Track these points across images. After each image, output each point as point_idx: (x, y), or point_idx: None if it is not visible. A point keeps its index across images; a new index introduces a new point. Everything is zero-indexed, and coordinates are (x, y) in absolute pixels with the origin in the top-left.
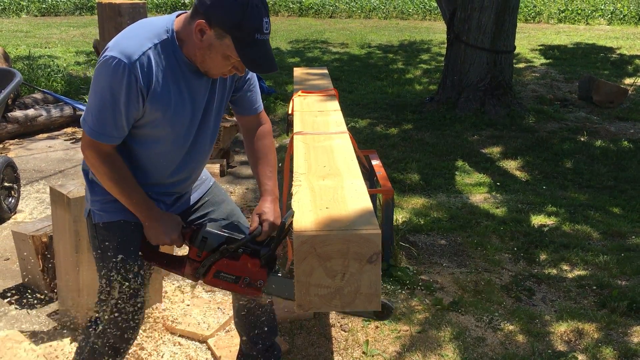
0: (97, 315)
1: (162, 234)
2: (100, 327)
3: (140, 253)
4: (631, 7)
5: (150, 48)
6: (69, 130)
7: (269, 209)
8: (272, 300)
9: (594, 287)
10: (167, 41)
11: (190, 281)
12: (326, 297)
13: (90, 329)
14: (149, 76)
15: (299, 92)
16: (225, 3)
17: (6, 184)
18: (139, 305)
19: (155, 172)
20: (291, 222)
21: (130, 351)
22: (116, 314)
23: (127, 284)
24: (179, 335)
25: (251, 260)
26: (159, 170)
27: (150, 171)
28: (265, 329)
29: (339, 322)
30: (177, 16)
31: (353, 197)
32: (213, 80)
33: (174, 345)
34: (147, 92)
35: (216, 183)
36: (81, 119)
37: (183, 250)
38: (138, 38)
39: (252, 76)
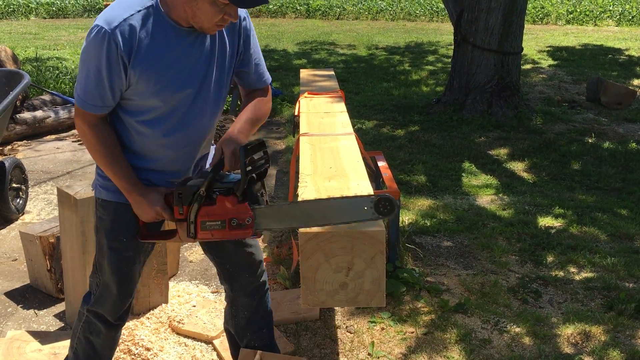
0: (89, 289)
1: (146, 207)
2: (93, 300)
3: (139, 237)
4: None
5: (132, 15)
6: (77, 131)
7: (229, 138)
8: (269, 306)
9: (602, 290)
10: (151, 7)
11: (194, 283)
12: (331, 293)
13: (84, 304)
14: (130, 43)
15: (306, 94)
16: None
17: (14, 185)
18: (129, 281)
19: (154, 152)
20: (260, 148)
21: (135, 351)
22: (107, 288)
23: (117, 259)
24: (185, 336)
25: (227, 198)
26: (158, 148)
27: (150, 153)
28: (263, 330)
29: (344, 324)
30: None
31: None
32: (211, 48)
33: (180, 345)
34: (129, 58)
35: None
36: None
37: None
38: (121, 7)
39: (255, 47)
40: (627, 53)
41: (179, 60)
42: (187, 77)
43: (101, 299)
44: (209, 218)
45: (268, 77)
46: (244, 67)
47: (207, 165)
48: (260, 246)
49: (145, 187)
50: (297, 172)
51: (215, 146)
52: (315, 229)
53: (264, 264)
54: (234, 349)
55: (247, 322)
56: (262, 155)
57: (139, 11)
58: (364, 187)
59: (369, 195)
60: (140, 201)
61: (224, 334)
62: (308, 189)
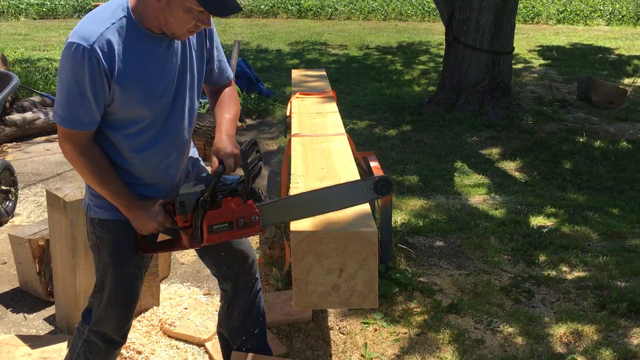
0: (90, 308)
1: (147, 220)
2: (94, 319)
3: (140, 251)
4: (630, 8)
5: (107, 28)
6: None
7: (224, 143)
8: (263, 308)
9: (594, 289)
10: (124, 18)
11: (189, 283)
12: (323, 294)
13: (84, 323)
14: (110, 56)
15: (297, 94)
16: None
17: (3, 187)
18: (133, 297)
19: (144, 164)
20: (254, 148)
21: (127, 355)
22: (110, 306)
23: (121, 277)
24: (177, 339)
25: (232, 200)
26: (147, 160)
27: (141, 166)
28: (256, 331)
29: (337, 325)
30: None
31: None
32: (183, 52)
33: (172, 348)
34: (112, 73)
35: (202, 163)
36: (52, 111)
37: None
38: (95, 21)
39: (218, 44)
40: (617, 52)
41: (157, 67)
42: (166, 83)
43: (105, 318)
44: (215, 221)
45: (231, 73)
46: (208, 65)
47: (194, 169)
48: (252, 246)
49: (143, 200)
50: (289, 173)
51: (211, 154)
52: (307, 230)
53: (257, 263)
54: (227, 352)
55: (241, 323)
56: (256, 155)
57: (113, 23)
58: None
59: (368, 178)
60: (141, 215)
61: (216, 336)
62: (300, 190)
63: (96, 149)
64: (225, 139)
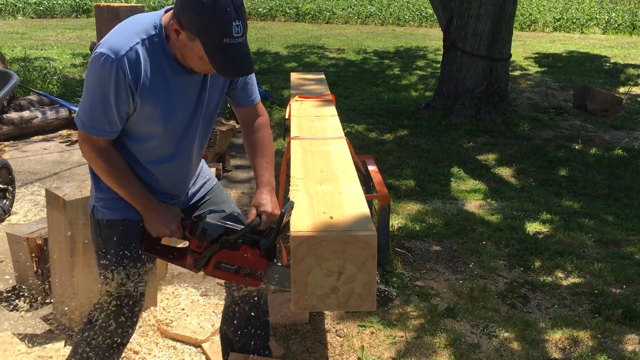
0: (93, 312)
1: (162, 225)
2: (98, 323)
3: (142, 248)
4: (625, 17)
5: (138, 43)
6: (64, 132)
7: (266, 200)
8: (267, 308)
9: (589, 295)
10: (155, 36)
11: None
12: (322, 297)
13: (87, 327)
14: (136, 71)
15: (296, 97)
16: (192, 6)
17: (1, 185)
18: (137, 300)
19: (153, 174)
20: (290, 213)
21: (123, 354)
22: (114, 309)
23: (126, 280)
24: (174, 340)
25: (251, 250)
26: (156, 172)
27: (149, 175)
28: (259, 332)
29: (334, 328)
30: (165, 11)
31: (350, 203)
32: (204, 77)
33: (169, 349)
34: (136, 86)
35: (219, 184)
36: (75, 114)
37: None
38: (126, 34)
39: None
40: (612, 60)
41: (179, 88)
42: (185, 106)
43: (111, 319)
44: (226, 261)
45: (257, 97)
46: (231, 85)
47: (200, 171)
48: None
49: (161, 203)
50: (288, 176)
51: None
52: (307, 233)
53: None
54: (227, 353)
55: (246, 323)
56: (289, 216)
57: (144, 39)
58: (355, 191)
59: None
60: (157, 218)
61: (213, 337)
62: (300, 193)
63: (115, 151)
64: (266, 196)
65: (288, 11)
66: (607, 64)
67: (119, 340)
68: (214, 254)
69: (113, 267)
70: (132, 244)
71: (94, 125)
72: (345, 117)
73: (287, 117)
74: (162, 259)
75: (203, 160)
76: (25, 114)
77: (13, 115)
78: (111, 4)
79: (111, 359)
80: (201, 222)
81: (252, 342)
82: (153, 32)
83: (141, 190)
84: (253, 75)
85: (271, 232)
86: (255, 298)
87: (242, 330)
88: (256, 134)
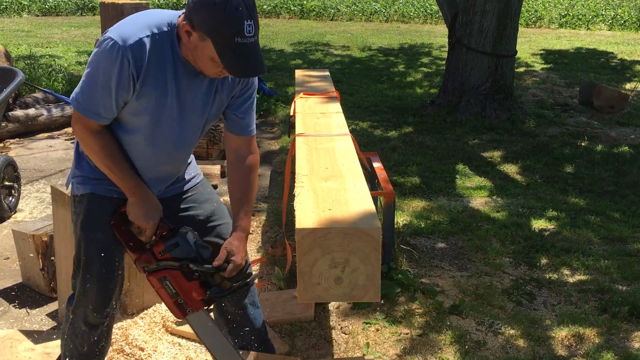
0: (73, 290)
1: (143, 215)
2: (74, 301)
3: (111, 221)
4: (632, 13)
5: (147, 36)
6: (69, 130)
7: (238, 248)
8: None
9: (595, 292)
10: (165, 34)
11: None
12: (327, 288)
13: (69, 305)
14: (141, 61)
15: (301, 94)
16: (204, 6)
17: (6, 183)
18: (110, 272)
19: (137, 161)
20: (253, 277)
21: (129, 351)
22: (88, 282)
23: (95, 249)
24: (179, 336)
25: (199, 289)
26: (141, 159)
27: (134, 160)
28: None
29: (339, 325)
30: (183, 13)
31: (356, 199)
32: (209, 85)
33: (174, 346)
34: (138, 77)
35: (205, 180)
36: (72, 93)
37: None
38: (137, 25)
39: (253, 93)
40: (619, 57)
41: (176, 90)
42: (178, 106)
43: (84, 295)
44: (172, 281)
45: (252, 130)
46: (228, 108)
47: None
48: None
49: (150, 193)
50: (293, 172)
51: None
52: (312, 225)
53: (250, 261)
54: None
55: (237, 324)
56: (247, 280)
57: (154, 33)
58: (360, 188)
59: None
60: (142, 205)
61: None
62: (305, 190)
63: (107, 133)
64: (238, 243)
65: (292, 8)
66: (614, 61)
67: (96, 320)
68: (167, 269)
69: (83, 242)
70: (102, 218)
71: (89, 107)
72: (350, 114)
73: (291, 114)
74: (121, 241)
75: (192, 156)
76: (31, 111)
77: (19, 112)
78: (116, 1)
79: (90, 339)
80: (178, 235)
81: (252, 339)
82: (165, 29)
83: (131, 174)
84: (254, 106)
85: (225, 284)
86: (243, 295)
87: (238, 333)
88: (245, 178)
